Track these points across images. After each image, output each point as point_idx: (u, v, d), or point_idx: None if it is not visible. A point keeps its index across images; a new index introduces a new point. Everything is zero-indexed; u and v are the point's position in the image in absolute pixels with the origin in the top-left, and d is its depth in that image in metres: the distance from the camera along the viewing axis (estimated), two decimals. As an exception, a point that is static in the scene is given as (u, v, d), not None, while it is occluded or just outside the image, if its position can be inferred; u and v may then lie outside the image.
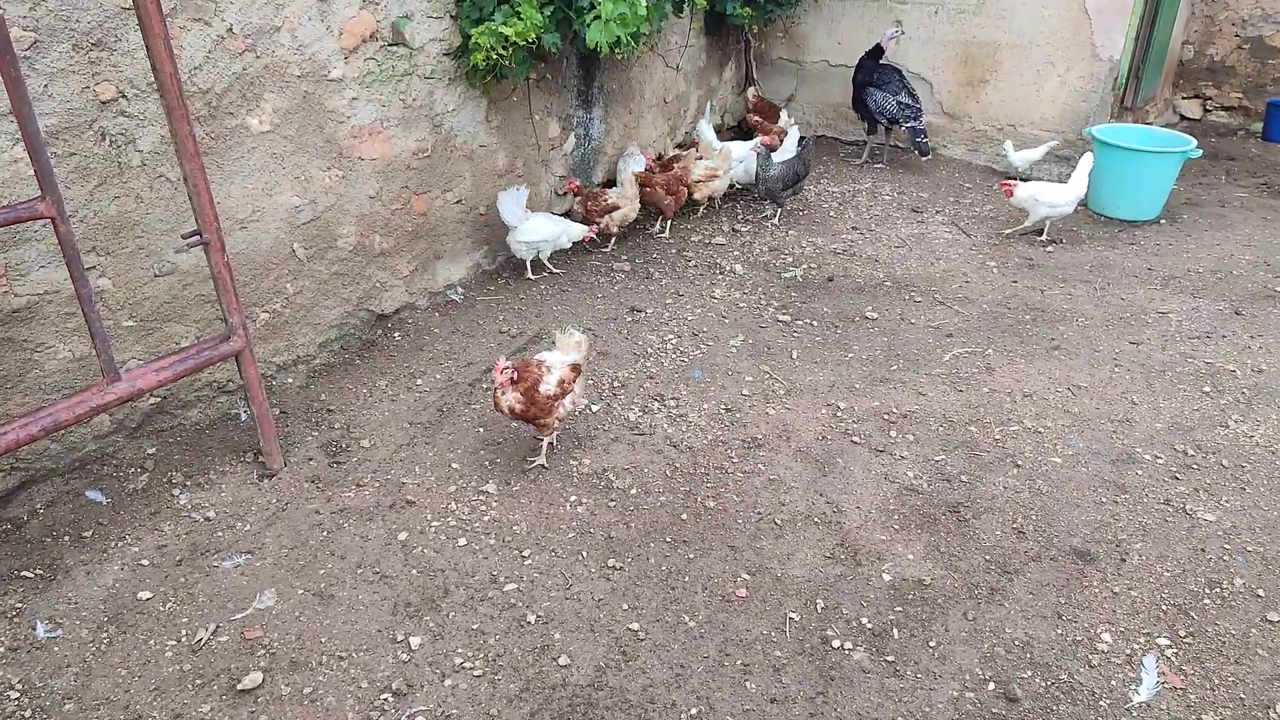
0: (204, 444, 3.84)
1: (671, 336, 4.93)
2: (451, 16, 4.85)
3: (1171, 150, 6.84)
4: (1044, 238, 6.52)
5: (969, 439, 4.03)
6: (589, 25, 4.67)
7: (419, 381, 4.37)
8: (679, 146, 7.86)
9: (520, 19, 4.67)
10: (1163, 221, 6.95)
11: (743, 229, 6.62)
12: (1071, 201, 6.40)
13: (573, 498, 3.59)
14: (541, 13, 4.82)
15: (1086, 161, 6.51)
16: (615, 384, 4.42)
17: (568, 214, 6.20)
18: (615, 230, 6.15)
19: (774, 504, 3.59)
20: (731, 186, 7.12)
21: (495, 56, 4.71)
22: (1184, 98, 9.99)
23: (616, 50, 5.05)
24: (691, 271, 5.85)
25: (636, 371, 4.55)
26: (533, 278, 5.65)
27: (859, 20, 8.43)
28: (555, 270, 5.76)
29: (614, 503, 3.57)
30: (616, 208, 6.01)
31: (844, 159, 8.42)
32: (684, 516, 3.50)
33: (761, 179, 6.50)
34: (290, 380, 4.32)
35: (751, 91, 8.47)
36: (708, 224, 6.69)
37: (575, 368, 3.63)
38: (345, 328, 4.66)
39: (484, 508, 3.50)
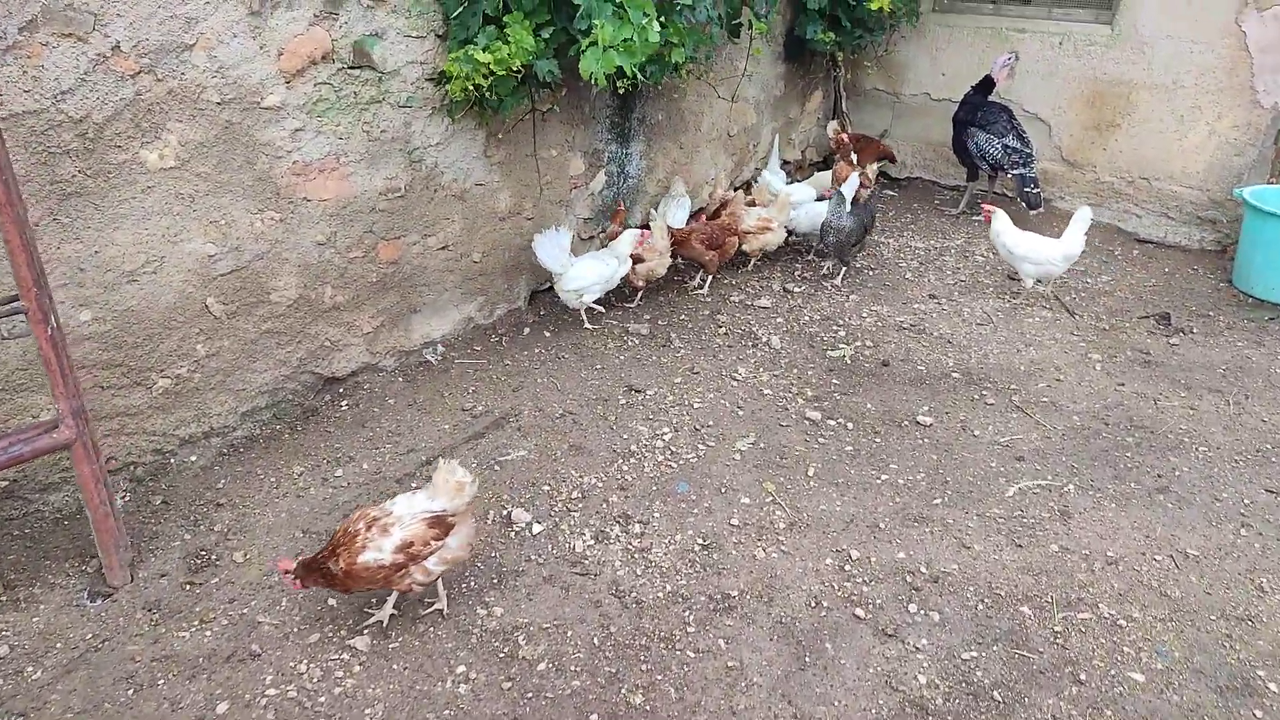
0: (52, 540, 3.18)
1: (667, 430, 4.00)
2: (438, 36, 4.09)
3: (1348, 225, 5.43)
4: (1168, 326, 5.23)
5: (1018, 626, 2.94)
6: (584, 52, 3.82)
7: (339, 472, 3.61)
8: (746, 185, 6.92)
9: (506, 43, 3.87)
10: (1331, 312, 5.54)
11: (796, 290, 5.61)
12: (1060, 260, 5.29)
13: (460, 668, 2.72)
14: (537, 35, 4.00)
15: (1084, 215, 5.33)
16: (574, 495, 3.53)
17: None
18: (640, 284, 5.27)
19: (721, 710, 2.62)
20: (791, 235, 6.12)
21: (472, 87, 3.92)
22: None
23: (619, 83, 4.17)
24: (719, 341, 4.90)
25: (608, 477, 3.66)
26: (591, 327, 4.98)
27: (967, 49, 7.26)
28: (588, 324, 5.00)
29: (511, 683, 2.68)
30: (641, 260, 5.13)
31: (938, 207, 7.26)
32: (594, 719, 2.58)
33: (829, 230, 5.48)
34: (194, 459, 3.64)
35: (832, 126, 7.42)
36: (756, 280, 5.71)
37: (439, 522, 2.69)
38: (280, 394, 3.96)
39: (341, 674, 2.68)
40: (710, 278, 5.57)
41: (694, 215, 5.99)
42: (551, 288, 5.31)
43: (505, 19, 3.90)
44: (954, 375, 4.61)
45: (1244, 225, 5.91)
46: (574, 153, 5.16)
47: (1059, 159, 7.17)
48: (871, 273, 5.93)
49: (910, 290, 5.67)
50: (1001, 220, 5.45)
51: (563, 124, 5.00)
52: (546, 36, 4.03)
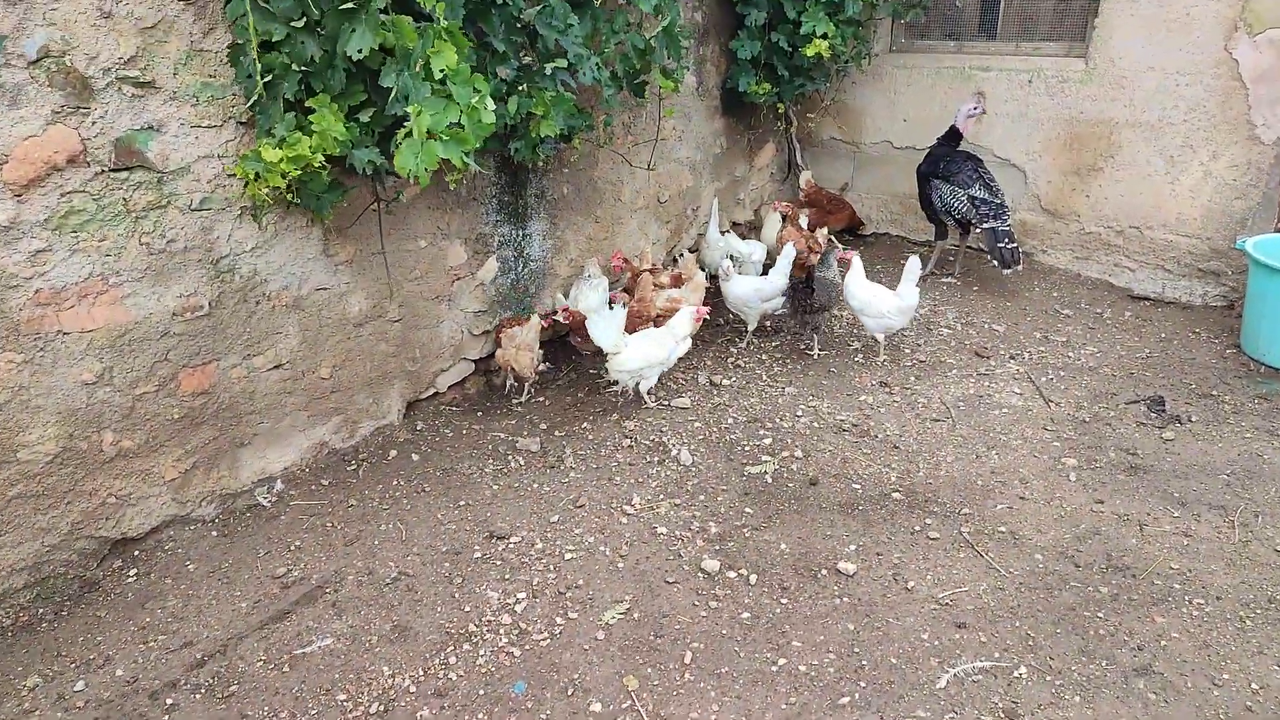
0: None
1: (523, 595, 3.20)
2: (240, 123, 3.40)
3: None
4: (1162, 413, 4.36)
5: None
6: (399, 144, 3.09)
7: (81, 685, 2.83)
8: (691, 251, 6.17)
9: (309, 133, 3.15)
10: (1357, 387, 4.66)
11: (725, 382, 4.81)
12: (896, 314, 4.84)
13: None
14: (353, 119, 3.29)
15: (913, 265, 4.82)
16: (374, 710, 2.73)
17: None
18: (529, 375, 4.52)
19: None
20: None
21: (268, 190, 3.21)
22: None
23: (449, 178, 3.44)
24: (621, 457, 4.11)
25: (427, 676, 2.85)
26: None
27: (929, 92, 6.50)
28: (649, 402, 4.49)
29: None
30: (526, 349, 4.41)
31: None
32: None
33: (820, 287, 4.91)
34: (-92, 668, 2.89)
35: (804, 177, 6.66)
36: (681, 371, 4.93)
37: None
38: (46, 569, 3.21)
39: None
40: (624, 373, 4.78)
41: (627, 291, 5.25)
42: (437, 394, 4.58)
43: (310, 102, 3.19)
44: (895, 495, 3.77)
45: (1249, 283, 5.06)
46: (451, 240, 4.43)
47: (1038, 209, 6.35)
48: (817, 355, 5.12)
49: (858, 376, 4.85)
50: (856, 271, 4.91)
51: (432, 209, 4.28)
52: (365, 120, 3.31)
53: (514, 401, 4.67)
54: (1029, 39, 6.20)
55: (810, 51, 5.51)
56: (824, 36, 5.57)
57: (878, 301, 4.79)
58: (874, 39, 6.56)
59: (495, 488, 3.87)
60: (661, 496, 3.79)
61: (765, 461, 4.04)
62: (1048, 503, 3.70)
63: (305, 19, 3.06)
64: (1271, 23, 5.16)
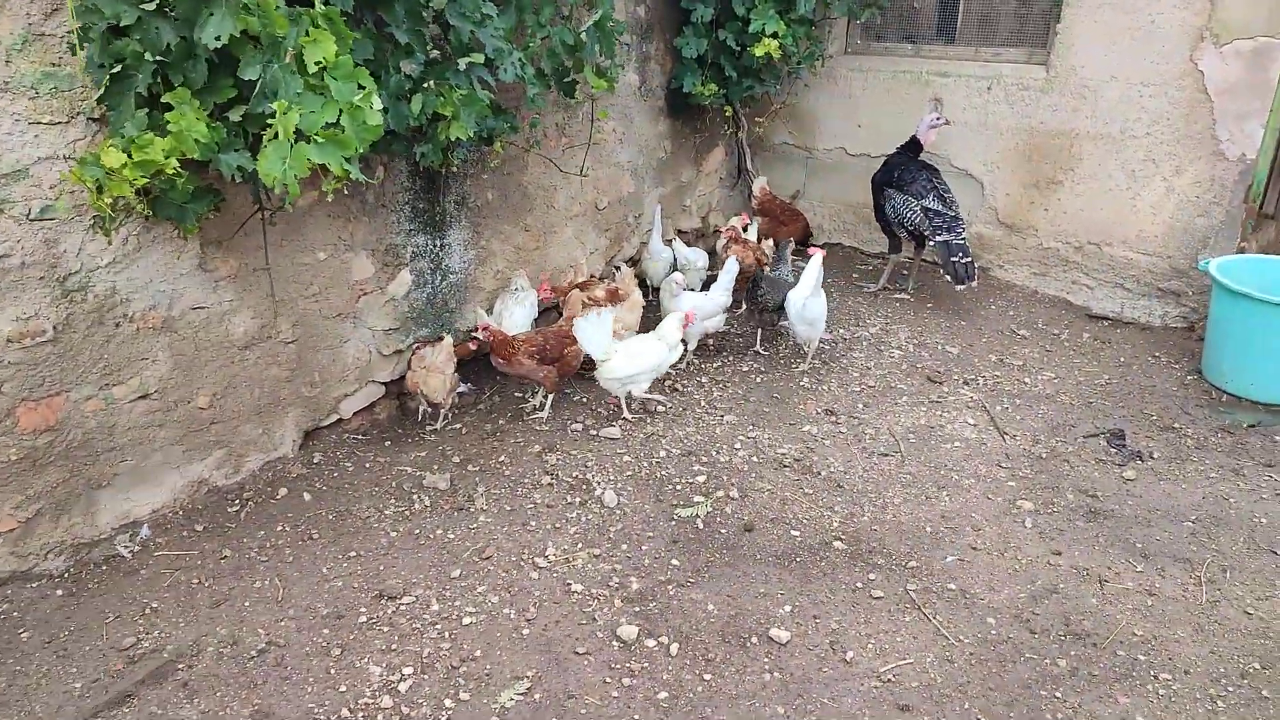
0: None
1: (409, 671, 2.79)
2: (91, 119, 2.93)
3: (1342, 314, 4.33)
4: (1123, 448, 4.07)
5: None
6: (265, 148, 2.64)
7: None
8: (631, 262, 5.79)
9: (164, 134, 2.69)
10: (1326, 419, 4.43)
11: (661, 407, 4.43)
12: (717, 312, 4.82)
13: None
14: (221, 118, 2.83)
15: (731, 267, 4.83)
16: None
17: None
18: (442, 400, 4.10)
19: None
20: None
21: (109, 202, 2.75)
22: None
23: (325, 186, 3.00)
24: (539, 497, 3.71)
25: (289, 774, 2.43)
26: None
27: (885, 96, 6.17)
28: (627, 414, 3.85)
29: None
30: (436, 372, 4.00)
31: (855, 282, 6.12)
32: None
33: (767, 283, 4.76)
34: None
35: (759, 184, 6.30)
36: (612, 395, 4.53)
37: None
38: None
39: None
40: (550, 398, 4.38)
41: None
42: (341, 422, 4.14)
43: (168, 97, 2.73)
44: (836, 545, 3.42)
45: (1211, 306, 4.80)
46: (356, 252, 3.98)
47: (994, 222, 6.06)
48: (760, 379, 4.76)
49: (803, 404, 4.49)
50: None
51: (332, 218, 3.83)
52: (237, 119, 2.86)
53: (427, 429, 4.24)
54: (989, 44, 5.89)
55: (759, 51, 5.13)
56: (774, 35, 5.20)
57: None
58: (828, 39, 6.21)
59: (393, 534, 3.44)
60: (580, 545, 3.40)
61: (698, 503, 3.66)
62: (1002, 554, 3.37)
63: (157, 1, 2.60)
64: (1239, 33, 4.89)
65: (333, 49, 2.66)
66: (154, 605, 3.02)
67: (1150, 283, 5.59)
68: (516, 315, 4.56)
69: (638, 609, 3.06)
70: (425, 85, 3.37)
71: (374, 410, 4.33)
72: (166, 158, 2.68)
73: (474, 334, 4.34)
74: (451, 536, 3.43)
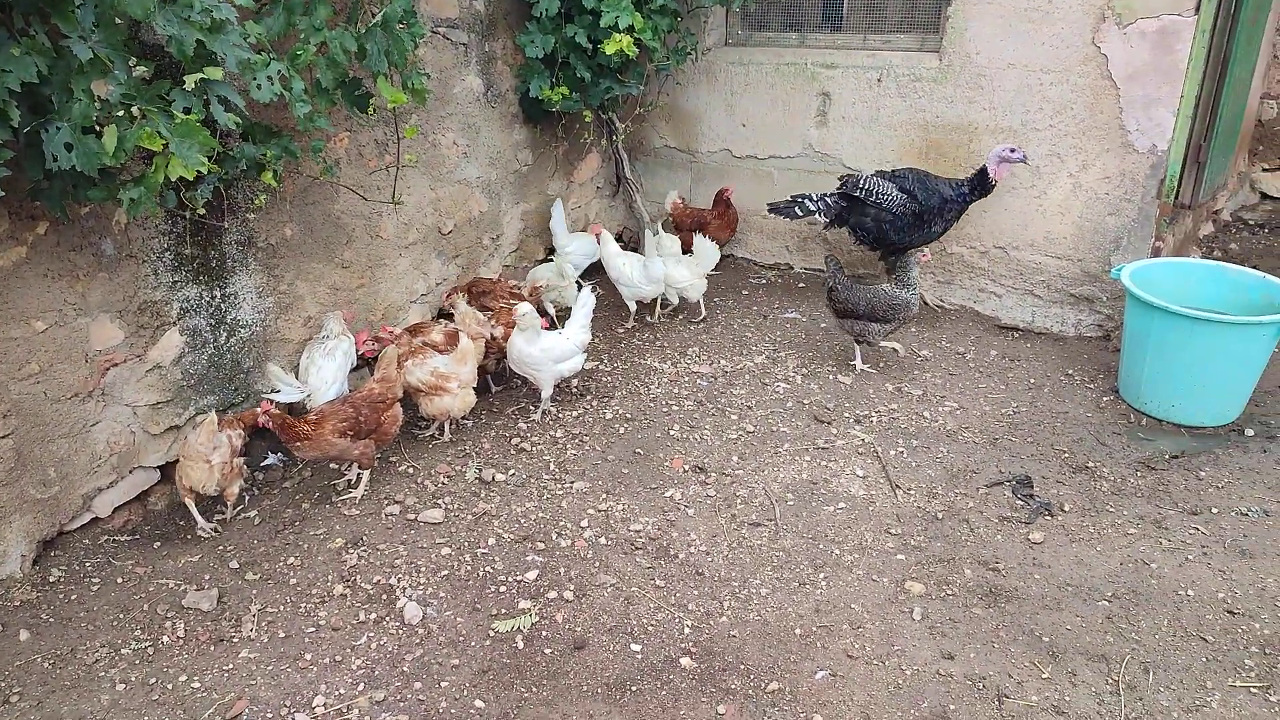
0: None
1: None
2: None
3: (1262, 321, 3.77)
4: (1030, 499, 3.43)
5: None
6: None
7: None
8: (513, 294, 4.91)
9: None
10: (1248, 432, 3.88)
11: (500, 477, 3.69)
12: (575, 353, 4.12)
13: None
14: None
15: (586, 299, 4.15)
16: None
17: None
18: (213, 492, 3.31)
19: None
20: (500, 362, 4.26)
21: None
22: (1266, 169, 6.79)
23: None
24: (327, 613, 2.94)
25: None
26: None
27: (769, 92, 5.48)
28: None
29: None
30: (198, 460, 3.19)
31: (747, 299, 5.44)
32: None
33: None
34: None
35: (670, 198, 5.57)
36: (447, 460, 3.79)
37: None
38: None
39: None
40: (367, 474, 3.60)
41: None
42: (98, 521, 3.31)
43: None
44: (684, 662, 2.72)
45: (1126, 319, 4.21)
46: (93, 316, 3.16)
47: (893, 227, 5.39)
48: (625, 428, 4.05)
49: (671, 458, 3.79)
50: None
51: (51, 277, 3.01)
52: None
53: (216, 520, 3.44)
54: (878, 30, 5.23)
55: (610, 49, 4.38)
56: (629, 30, 4.45)
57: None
58: (704, 30, 5.49)
59: (121, 687, 2.65)
60: (362, 686, 2.65)
61: (522, 612, 2.94)
62: (883, 662, 2.70)
63: None
64: (1143, 11, 4.29)
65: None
66: None
67: (1061, 289, 5.00)
68: (325, 370, 3.76)
69: (414, 786, 2.32)
70: (121, 113, 2.55)
71: (147, 501, 3.52)
72: None
73: (268, 395, 3.55)
74: (196, 686, 2.65)
